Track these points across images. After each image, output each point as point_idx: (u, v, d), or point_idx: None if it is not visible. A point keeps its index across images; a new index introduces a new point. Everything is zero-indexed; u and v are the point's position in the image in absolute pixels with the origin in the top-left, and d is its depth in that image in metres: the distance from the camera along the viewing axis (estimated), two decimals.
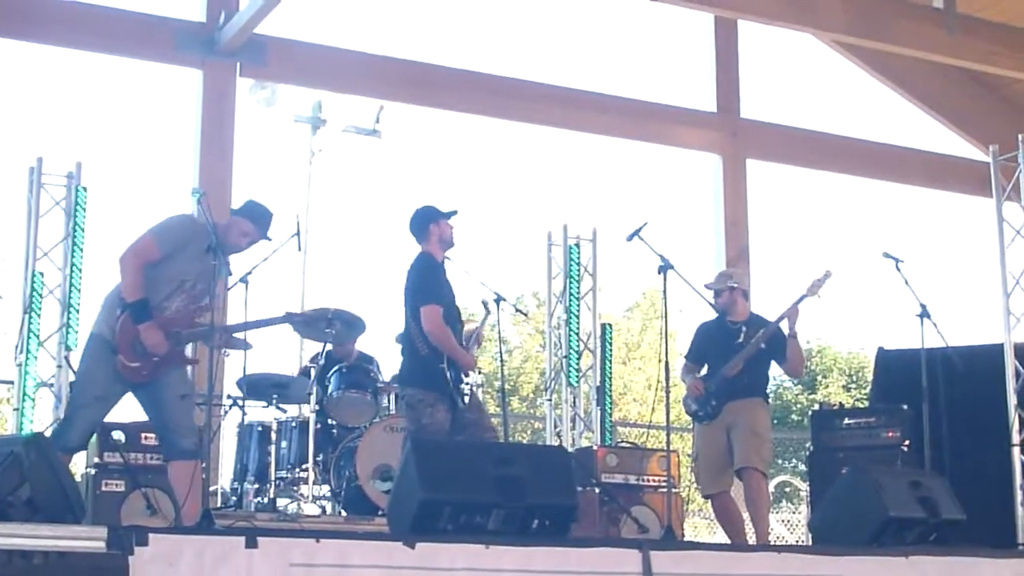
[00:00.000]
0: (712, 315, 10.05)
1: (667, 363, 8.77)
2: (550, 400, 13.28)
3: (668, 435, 9.09)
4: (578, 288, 13.13)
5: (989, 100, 16.37)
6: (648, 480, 10.73)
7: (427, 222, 8.97)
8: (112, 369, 7.50)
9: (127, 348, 7.48)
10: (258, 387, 10.42)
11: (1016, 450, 10.85)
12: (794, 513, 19.11)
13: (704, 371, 9.95)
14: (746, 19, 14.09)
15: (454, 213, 9.03)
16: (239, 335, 8.89)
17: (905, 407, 10.60)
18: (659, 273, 8.81)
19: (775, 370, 10.13)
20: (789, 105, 24.80)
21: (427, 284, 8.79)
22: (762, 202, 15.76)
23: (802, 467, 20.97)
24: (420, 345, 8.67)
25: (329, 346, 10.62)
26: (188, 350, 7.88)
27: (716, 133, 14.70)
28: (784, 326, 9.73)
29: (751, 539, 9.81)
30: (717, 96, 14.80)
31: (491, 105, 13.94)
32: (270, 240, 8.16)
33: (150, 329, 7.48)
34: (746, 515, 9.85)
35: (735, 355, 9.69)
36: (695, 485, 10.30)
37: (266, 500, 10.07)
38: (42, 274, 10.59)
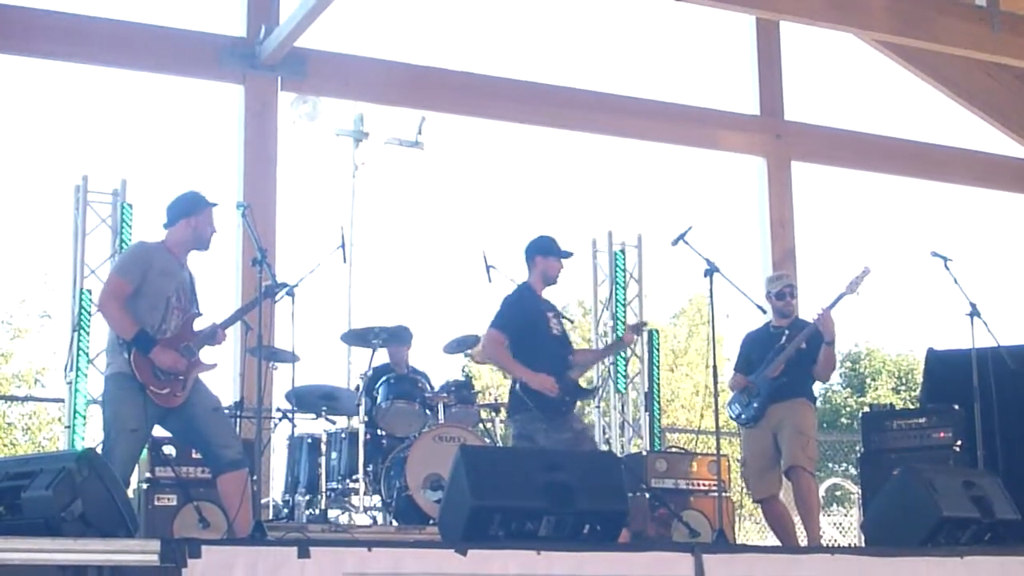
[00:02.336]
0: (758, 323, 10.05)
1: (715, 368, 8.73)
2: (598, 407, 13.26)
3: (718, 439, 9.06)
4: (624, 294, 13.12)
5: None
6: (698, 484, 10.74)
7: (534, 253, 9.10)
8: (141, 402, 7.54)
9: (151, 379, 7.54)
10: (307, 399, 10.44)
11: None
12: (845, 516, 19.00)
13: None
14: (787, 20, 14.01)
15: (569, 255, 9.09)
16: (283, 347, 8.91)
17: (956, 407, 10.52)
18: (705, 276, 8.79)
19: None
20: (833, 106, 24.69)
21: (503, 310, 8.94)
22: (807, 203, 15.69)
23: (852, 470, 20.84)
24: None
25: (379, 358, 10.65)
26: (204, 357, 7.90)
27: (760, 136, 14.64)
28: (822, 325, 9.71)
29: (802, 542, 9.77)
30: (760, 99, 14.74)
31: (533, 113, 13.91)
32: (217, 204, 8.08)
33: (161, 352, 7.55)
34: (796, 517, 9.81)
35: (776, 354, 9.68)
36: (745, 490, 10.28)
37: (317, 511, 10.08)
38: (90, 292, 10.64)
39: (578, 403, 9.16)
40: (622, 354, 12.92)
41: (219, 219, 8.11)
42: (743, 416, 9.81)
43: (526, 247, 9.14)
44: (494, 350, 8.88)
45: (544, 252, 9.07)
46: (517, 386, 8.79)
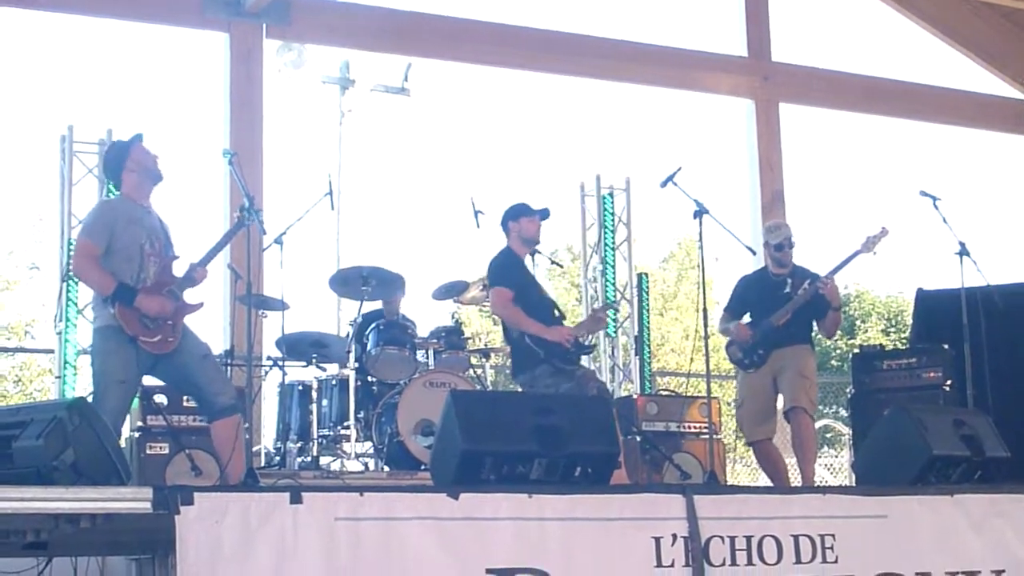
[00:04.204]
0: (749, 266, 10.03)
1: (704, 310, 8.73)
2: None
3: (708, 382, 9.08)
4: (613, 238, 13.11)
5: (1022, 37, 16.20)
6: (689, 427, 10.75)
7: (506, 220, 9.16)
8: (131, 353, 7.51)
9: (140, 329, 7.50)
10: (297, 347, 10.44)
11: None
12: (836, 457, 19.07)
13: (745, 320, 9.94)
14: None
15: (544, 214, 9.17)
16: (269, 295, 8.89)
17: (946, 347, 10.52)
18: (694, 218, 8.77)
19: None
20: (820, 47, 24.59)
21: (499, 271, 9.03)
22: (796, 144, 15.65)
23: (843, 412, 20.91)
24: (513, 331, 8.98)
25: (368, 306, 10.64)
26: (188, 298, 7.87)
27: (748, 78, 14.59)
28: (827, 294, 9.71)
29: (796, 483, 9.81)
30: (748, 40, 14.67)
31: (519, 57, 13.84)
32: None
33: (146, 299, 7.51)
34: (791, 460, 9.85)
35: (781, 305, 9.67)
36: (738, 432, 10.31)
37: (309, 459, 10.10)
38: None
39: None
40: (611, 299, 12.92)
41: (204, 165, 8.08)
42: (746, 360, 9.81)
43: (500, 219, 9.20)
44: (504, 307, 8.95)
45: (515, 216, 9.14)
46: (526, 339, 8.83)
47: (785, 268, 9.92)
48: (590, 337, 9.62)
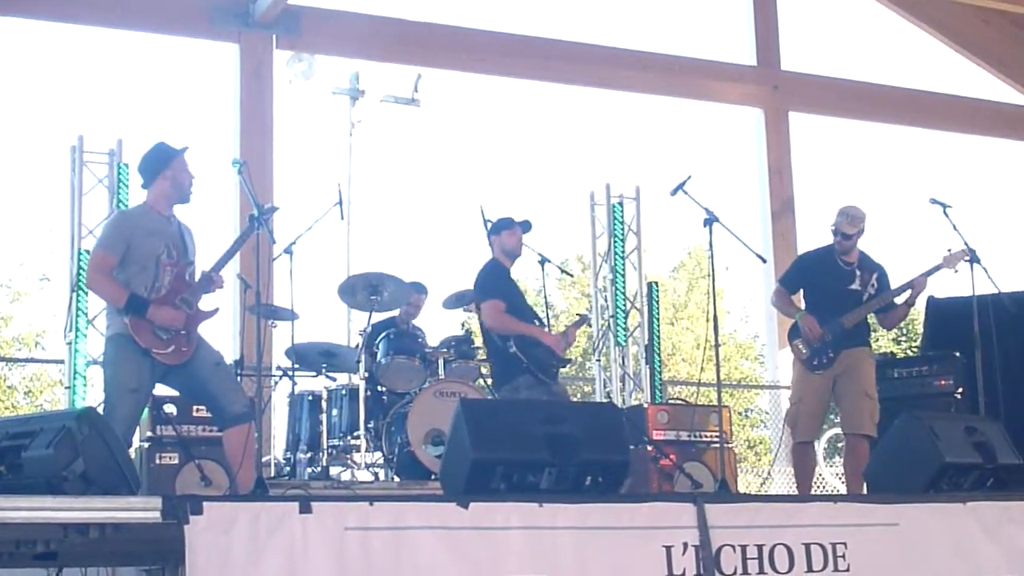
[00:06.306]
0: (760, 276, 9.99)
1: (715, 319, 8.68)
2: (599, 360, 13.23)
3: (719, 391, 9.04)
4: (623, 247, 13.09)
5: None
6: (700, 436, 10.71)
7: (489, 235, 9.47)
8: (145, 363, 7.50)
9: (154, 341, 7.48)
10: (307, 356, 10.44)
11: None
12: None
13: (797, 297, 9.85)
14: None
15: (525, 226, 9.45)
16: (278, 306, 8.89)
17: (957, 354, 10.50)
18: (705, 226, 8.73)
19: None
20: (829, 56, 24.61)
21: (487, 283, 9.28)
22: (806, 152, 15.67)
23: None
24: (497, 341, 9.16)
25: (378, 316, 10.63)
26: (203, 304, 7.84)
27: (757, 87, 14.61)
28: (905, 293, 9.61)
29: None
30: (757, 49, 14.70)
31: (529, 67, 13.87)
32: (187, 149, 7.90)
33: (157, 311, 7.48)
34: (831, 469, 9.74)
35: (847, 297, 9.53)
36: (751, 442, 10.27)
37: (319, 469, 10.08)
38: (88, 252, 10.59)
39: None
40: (621, 308, 12.92)
41: (214, 175, 8.07)
42: (815, 361, 9.50)
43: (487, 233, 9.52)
44: (497, 317, 9.12)
45: (496, 231, 9.43)
46: (510, 348, 8.95)
47: (849, 256, 9.75)
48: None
